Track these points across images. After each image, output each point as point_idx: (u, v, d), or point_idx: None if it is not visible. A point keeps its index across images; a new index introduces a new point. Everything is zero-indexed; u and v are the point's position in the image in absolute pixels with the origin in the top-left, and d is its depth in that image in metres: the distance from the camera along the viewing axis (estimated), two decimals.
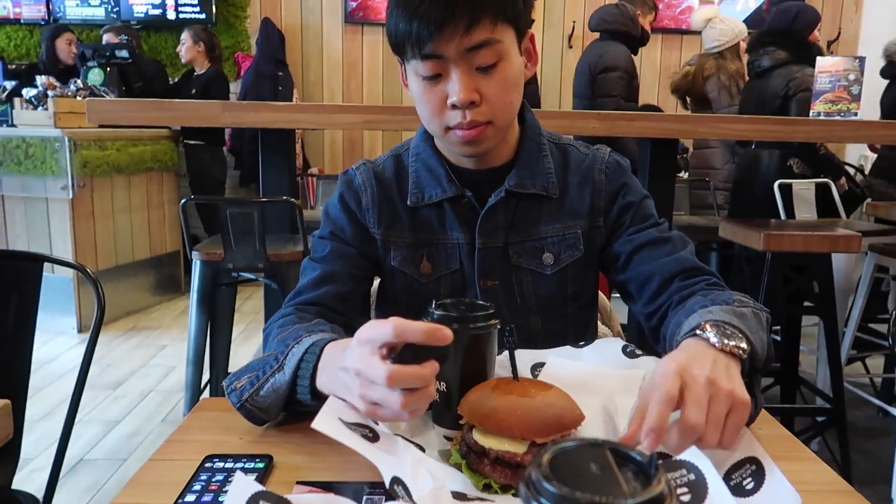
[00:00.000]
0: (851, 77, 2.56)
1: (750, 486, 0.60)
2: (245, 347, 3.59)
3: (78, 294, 3.76)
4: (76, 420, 2.49)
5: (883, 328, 3.16)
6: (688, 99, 3.86)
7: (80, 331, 3.76)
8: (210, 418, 0.88)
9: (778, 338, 2.58)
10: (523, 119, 1.08)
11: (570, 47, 5.33)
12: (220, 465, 0.72)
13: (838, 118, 2.50)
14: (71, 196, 3.65)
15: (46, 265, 1.41)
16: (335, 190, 1.11)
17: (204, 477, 0.69)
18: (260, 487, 0.54)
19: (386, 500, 0.56)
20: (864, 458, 2.45)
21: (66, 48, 4.59)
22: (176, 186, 4.58)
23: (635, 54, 3.64)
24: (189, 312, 2.13)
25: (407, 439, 0.74)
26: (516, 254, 1.05)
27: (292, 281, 2.11)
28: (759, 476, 0.61)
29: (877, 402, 2.69)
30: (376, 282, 1.14)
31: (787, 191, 2.98)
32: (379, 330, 0.67)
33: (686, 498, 0.52)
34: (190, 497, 0.66)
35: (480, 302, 0.83)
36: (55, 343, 3.57)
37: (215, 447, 0.76)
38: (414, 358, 0.67)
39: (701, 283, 0.99)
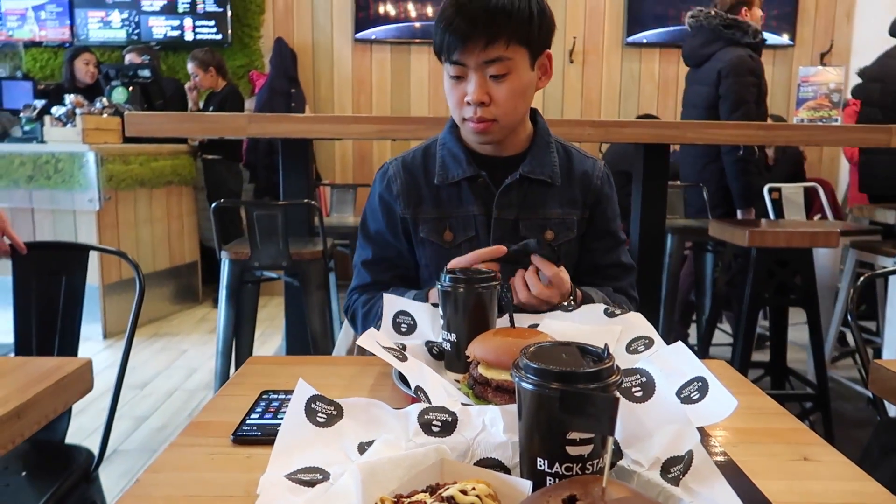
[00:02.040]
0: (832, 86, 2.73)
1: (696, 397, 0.77)
2: (265, 348, 3.78)
3: (103, 302, 3.95)
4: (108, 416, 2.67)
5: (872, 325, 3.31)
6: None
7: (105, 337, 3.95)
8: (260, 370, 1.05)
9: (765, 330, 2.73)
10: (536, 121, 1.33)
11: (571, 62, 5.52)
12: (275, 396, 0.89)
13: (819, 124, 2.67)
14: (98, 208, 3.85)
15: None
16: (373, 185, 1.36)
17: (263, 404, 0.86)
18: (317, 392, 0.71)
19: (411, 403, 0.73)
20: (851, 444, 2.59)
21: (83, 68, 4.79)
22: (194, 199, 4.78)
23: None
24: (218, 307, 2.31)
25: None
26: (525, 227, 1.29)
27: (313, 278, 2.29)
28: (703, 390, 0.77)
29: (861, 389, 2.83)
30: None
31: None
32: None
33: (638, 394, 0.69)
34: (254, 415, 0.83)
35: (483, 268, 1.01)
36: (82, 348, 3.70)
37: (268, 387, 0.94)
38: None
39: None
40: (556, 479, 0.57)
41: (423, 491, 0.59)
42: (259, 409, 0.84)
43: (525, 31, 1.15)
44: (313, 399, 0.70)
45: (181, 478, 0.70)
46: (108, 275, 3.96)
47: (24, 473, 1.43)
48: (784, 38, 5.46)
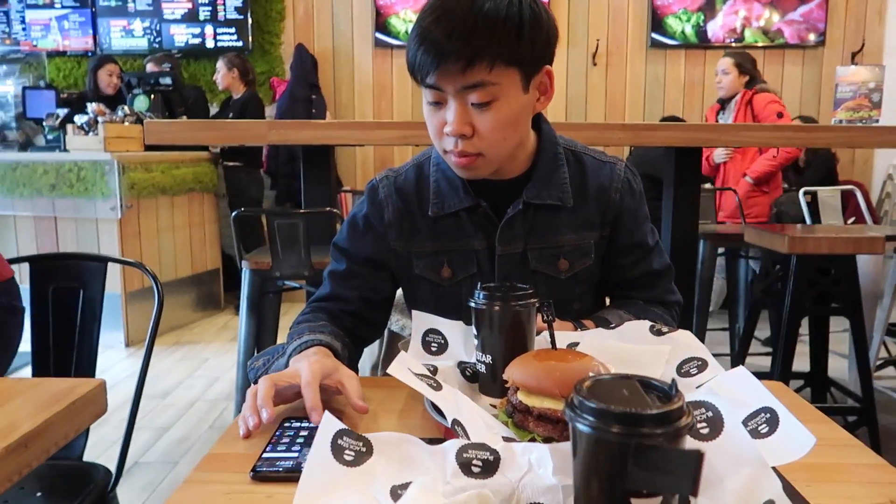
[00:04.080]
0: (871, 85, 2.62)
1: (764, 431, 0.69)
2: None
3: (126, 310, 3.93)
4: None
5: None
6: None
7: (127, 345, 3.93)
8: None
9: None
10: (539, 129, 1.15)
11: (595, 65, 5.43)
12: (297, 424, 0.82)
13: (860, 125, 2.56)
14: (119, 216, 3.84)
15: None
16: (361, 202, 1.22)
17: (286, 433, 0.80)
18: (343, 426, 0.64)
19: (446, 437, 0.66)
20: None
21: (106, 78, 4.80)
22: (215, 206, 4.77)
23: None
24: (239, 318, 2.26)
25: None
26: (535, 259, 1.14)
27: None
28: (773, 423, 0.69)
29: None
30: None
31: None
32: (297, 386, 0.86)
33: (705, 431, 0.61)
34: (277, 447, 0.76)
35: (520, 285, 0.93)
36: (104, 356, 3.72)
37: (289, 412, 0.87)
38: None
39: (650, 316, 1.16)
40: None
41: None
42: (280, 440, 0.78)
43: (513, 49, 0.96)
44: (340, 434, 0.64)
45: None
46: (130, 283, 3.95)
47: (38, 494, 1.39)
48: (813, 38, 5.32)
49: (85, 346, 1.58)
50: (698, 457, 0.40)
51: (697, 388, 0.82)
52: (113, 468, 1.50)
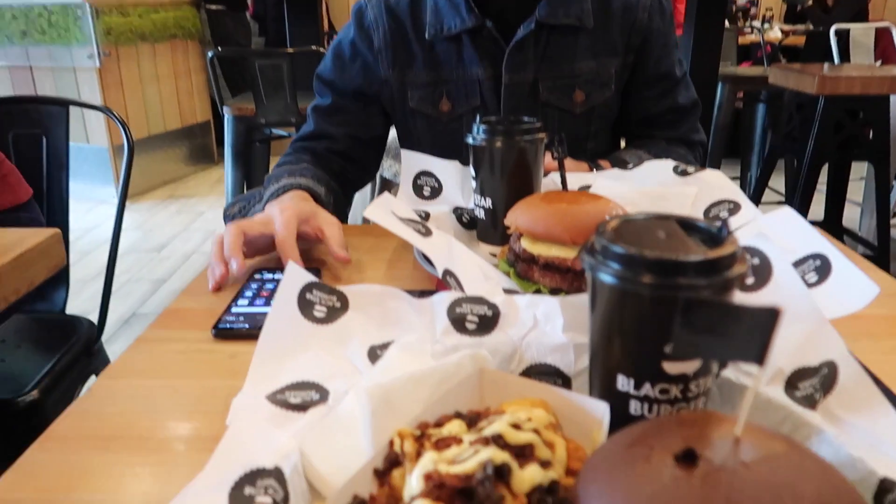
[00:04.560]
0: None
1: (813, 280, 0.59)
2: None
3: (115, 164, 3.80)
4: (126, 279, 2.60)
5: None
6: None
7: None
8: None
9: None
10: None
11: None
12: (269, 276, 0.72)
13: None
14: (98, 65, 3.61)
15: (79, 136, 1.46)
16: (346, 26, 1.06)
17: (254, 286, 0.70)
18: (313, 278, 0.53)
19: (438, 290, 0.56)
20: None
21: None
22: (201, 55, 4.48)
23: None
24: (224, 169, 2.13)
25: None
26: (546, 90, 1.01)
27: None
28: (824, 270, 0.59)
29: None
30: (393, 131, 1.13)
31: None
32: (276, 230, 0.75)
33: (749, 281, 0.51)
34: (243, 301, 0.67)
35: (526, 118, 0.80)
36: (97, 211, 3.66)
37: (265, 264, 0.77)
38: None
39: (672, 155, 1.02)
40: (646, 405, 0.41)
41: (457, 416, 0.42)
42: (248, 294, 0.68)
43: None
44: (309, 287, 0.53)
45: (143, 387, 0.55)
46: (116, 135, 3.78)
47: (20, 347, 1.34)
48: None
49: (55, 197, 1.47)
50: (774, 316, 0.29)
51: None
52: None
